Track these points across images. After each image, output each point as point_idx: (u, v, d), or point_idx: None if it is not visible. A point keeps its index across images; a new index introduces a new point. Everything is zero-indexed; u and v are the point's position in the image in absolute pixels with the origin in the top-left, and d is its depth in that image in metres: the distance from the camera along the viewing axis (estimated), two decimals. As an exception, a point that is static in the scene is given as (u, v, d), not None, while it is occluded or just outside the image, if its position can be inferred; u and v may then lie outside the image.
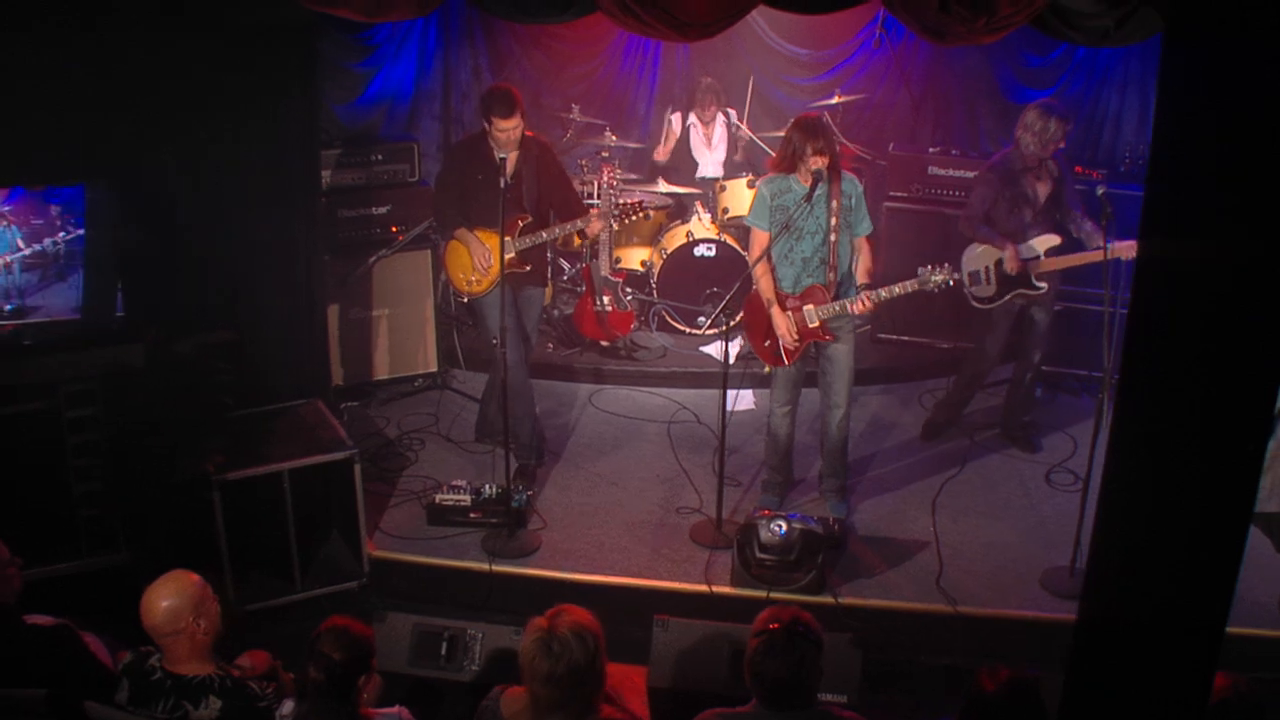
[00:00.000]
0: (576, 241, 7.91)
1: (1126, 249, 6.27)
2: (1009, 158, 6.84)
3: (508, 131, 6.38)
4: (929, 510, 6.70)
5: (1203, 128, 2.28)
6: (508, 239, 6.42)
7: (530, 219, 6.70)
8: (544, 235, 6.75)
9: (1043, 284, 6.83)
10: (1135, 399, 2.53)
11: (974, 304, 7.01)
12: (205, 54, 5.87)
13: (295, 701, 3.97)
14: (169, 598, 3.92)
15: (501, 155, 6.31)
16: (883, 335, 8.62)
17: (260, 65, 6.11)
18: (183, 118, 5.94)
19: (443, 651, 5.05)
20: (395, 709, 4.11)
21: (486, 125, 6.44)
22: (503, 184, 6.17)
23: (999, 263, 6.82)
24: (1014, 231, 6.83)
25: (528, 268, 6.79)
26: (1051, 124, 6.56)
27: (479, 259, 6.65)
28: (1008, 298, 6.90)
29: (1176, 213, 2.37)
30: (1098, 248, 6.57)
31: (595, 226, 6.85)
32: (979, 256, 6.96)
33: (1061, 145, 6.68)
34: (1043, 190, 6.78)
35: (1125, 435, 2.56)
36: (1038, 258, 6.80)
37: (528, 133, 6.58)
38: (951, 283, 6.14)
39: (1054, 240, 6.80)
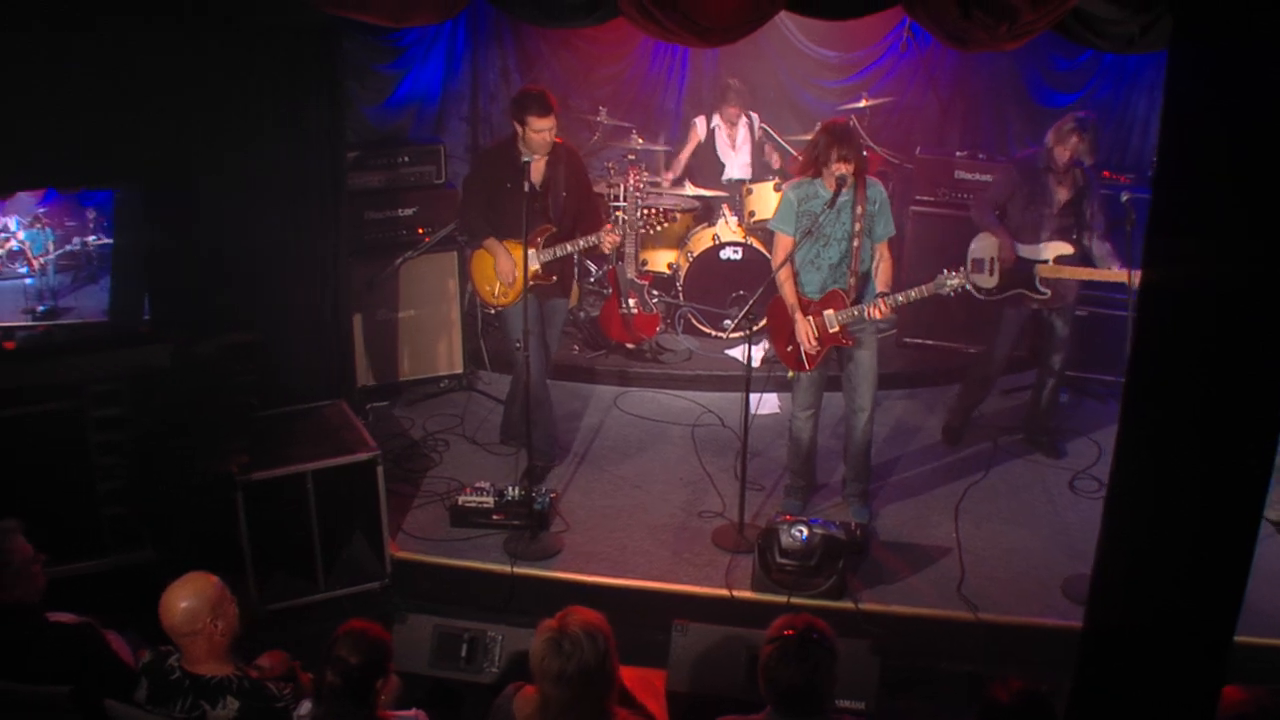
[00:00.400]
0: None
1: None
2: (1036, 155, 6.84)
3: (543, 132, 6.34)
4: (952, 516, 6.68)
5: (1210, 130, 2.28)
6: (531, 251, 6.39)
7: (554, 230, 6.67)
8: (569, 248, 6.71)
9: (1046, 290, 6.81)
10: (1141, 404, 2.52)
11: (974, 293, 6.95)
12: (228, 57, 5.93)
13: (312, 704, 4.00)
14: (187, 599, 3.95)
15: (527, 159, 6.30)
16: (909, 339, 8.59)
17: (283, 68, 6.17)
18: (206, 120, 5.99)
19: (463, 653, 5.07)
20: (412, 712, 4.13)
21: (520, 127, 6.39)
22: (527, 187, 6.17)
23: None
24: (1023, 228, 6.83)
25: (553, 279, 6.77)
26: (1069, 124, 6.58)
27: (504, 272, 6.64)
28: (1009, 294, 6.88)
29: (1183, 216, 2.37)
30: (1111, 269, 6.61)
31: (608, 243, 6.79)
32: (985, 246, 6.97)
33: (1078, 153, 6.62)
34: (1061, 194, 6.76)
35: (1131, 440, 2.56)
36: (1044, 261, 6.79)
37: (556, 138, 6.54)
38: (968, 287, 6.13)
39: (1065, 249, 6.77)
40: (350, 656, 3.80)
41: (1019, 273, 6.81)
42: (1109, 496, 2.64)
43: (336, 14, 5.76)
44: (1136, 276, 6.25)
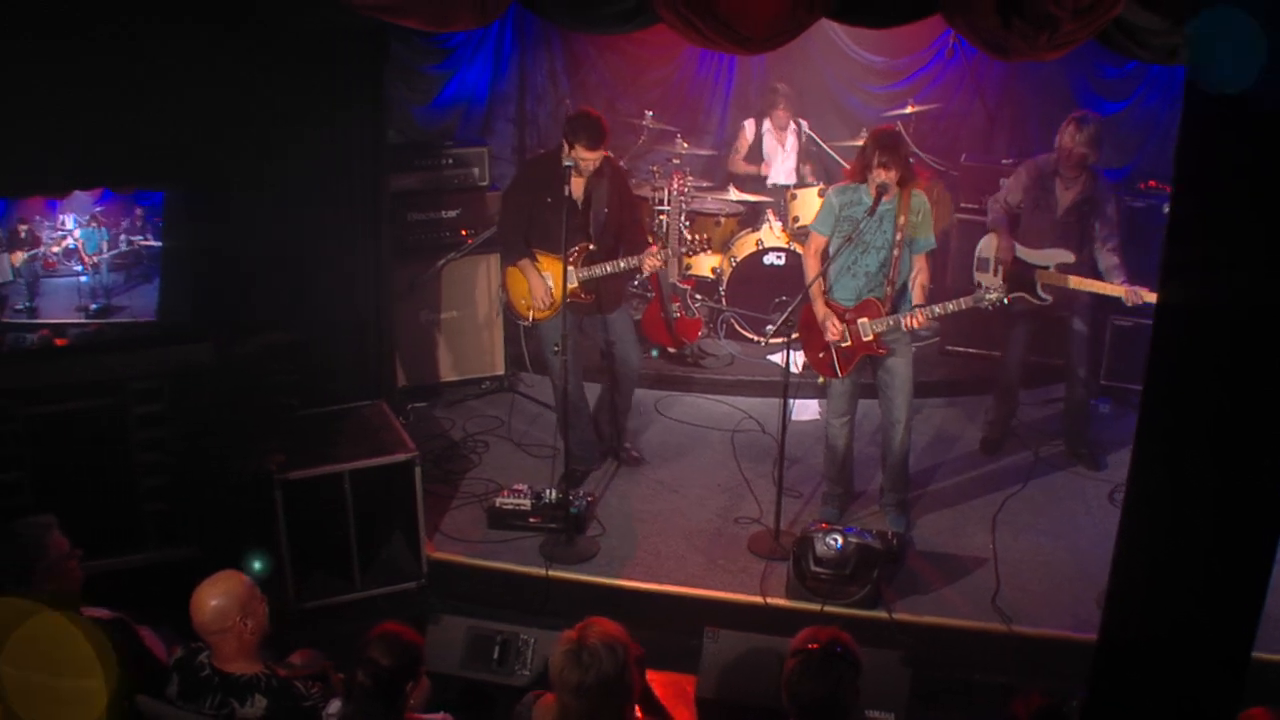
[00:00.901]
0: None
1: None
2: (1049, 158, 6.84)
3: (588, 161, 6.32)
4: (989, 526, 6.64)
5: (1228, 142, 2.27)
6: (570, 269, 6.35)
7: (593, 248, 6.61)
8: (608, 268, 6.62)
9: (1047, 296, 6.78)
10: (1158, 415, 2.51)
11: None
12: (274, 60, 6.01)
13: (342, 702, 4.04)
14: (217, 597, 4.01)
15: (569, 164, 6.26)
16: (951, 348, 8.54)
17: (328, 70, 6.24)
18: (250, 123, 6.06)
19: (495, 655, 5.10)
20: (440, 716, 4.16)
21: (567, 147, 6.33)
22: (567, 191, 6.17)
23: None
24: (1030, 231, 6.85)
25: (591, 298, 6.70)
26: (1071, 124, 6.62)
27: (538, 298, 6.62)
28: (1011, 296, 6.81)
29: (1200, 228, 2.36)
30: (1114, 283, 6.58)
31: (649, 265, 6.67)
32: (990, 245, 7.01)
33: (1079, 146, 6.61)
34: (1065, 197, 6.75)
35: (1147, 452, 2.55)
36: (1045, 267, 6.76)
37: (603, 152, 6.45)
38: (1006, 300, 6.09)
39: (1067, 257, 6.76)
40: (382, 659, 3.84)
41: (1020, 275, 6.80)
42: (1125, 509, 2.63)
43: (381, 19, 5.81)
44: (1136, 293, 6.25)
